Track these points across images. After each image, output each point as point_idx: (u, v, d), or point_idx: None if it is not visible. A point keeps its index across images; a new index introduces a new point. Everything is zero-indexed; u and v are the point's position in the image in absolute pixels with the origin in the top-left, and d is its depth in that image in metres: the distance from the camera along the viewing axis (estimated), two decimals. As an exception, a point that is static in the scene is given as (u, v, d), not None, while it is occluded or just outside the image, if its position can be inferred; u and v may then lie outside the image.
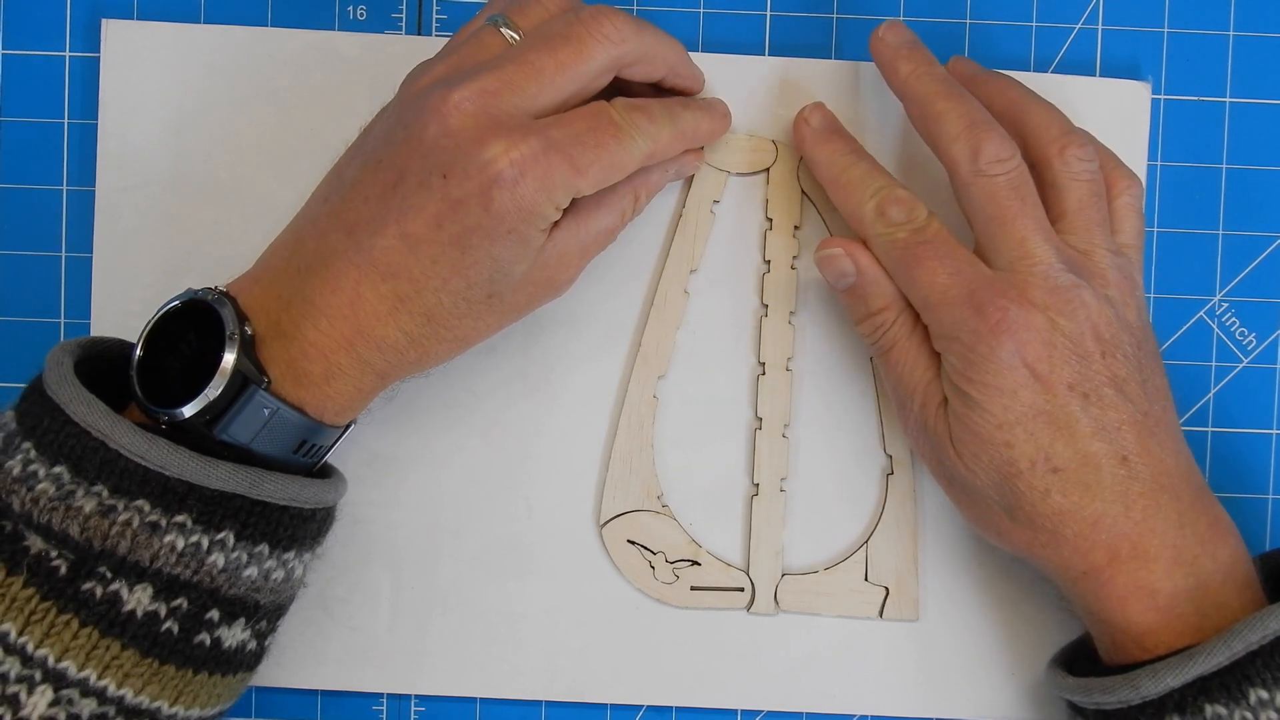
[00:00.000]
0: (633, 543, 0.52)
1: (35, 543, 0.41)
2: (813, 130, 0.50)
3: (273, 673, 0.52)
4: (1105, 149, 0.49)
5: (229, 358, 0.42)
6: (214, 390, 0.42)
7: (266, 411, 0.43)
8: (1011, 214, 0.46)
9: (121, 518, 0.41)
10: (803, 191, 0.52)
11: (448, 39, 0.48)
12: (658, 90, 0.49)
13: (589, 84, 0.45)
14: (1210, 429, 0.53)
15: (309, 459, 0.45)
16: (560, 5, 0.46)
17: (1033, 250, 0.45)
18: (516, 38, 0.45)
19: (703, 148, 0.51)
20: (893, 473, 0.52)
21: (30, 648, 0.40)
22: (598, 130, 0.44)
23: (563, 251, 0.46)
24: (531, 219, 0.43)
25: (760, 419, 0.52)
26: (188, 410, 0.42)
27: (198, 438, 0.42)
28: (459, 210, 0.42)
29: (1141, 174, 0.52)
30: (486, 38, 0.45)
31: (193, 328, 0.43)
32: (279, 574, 0.44)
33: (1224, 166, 0.53)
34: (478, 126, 0.42)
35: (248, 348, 0.43)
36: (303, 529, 0.45)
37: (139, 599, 0.41)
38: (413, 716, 0.53)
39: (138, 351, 0.43)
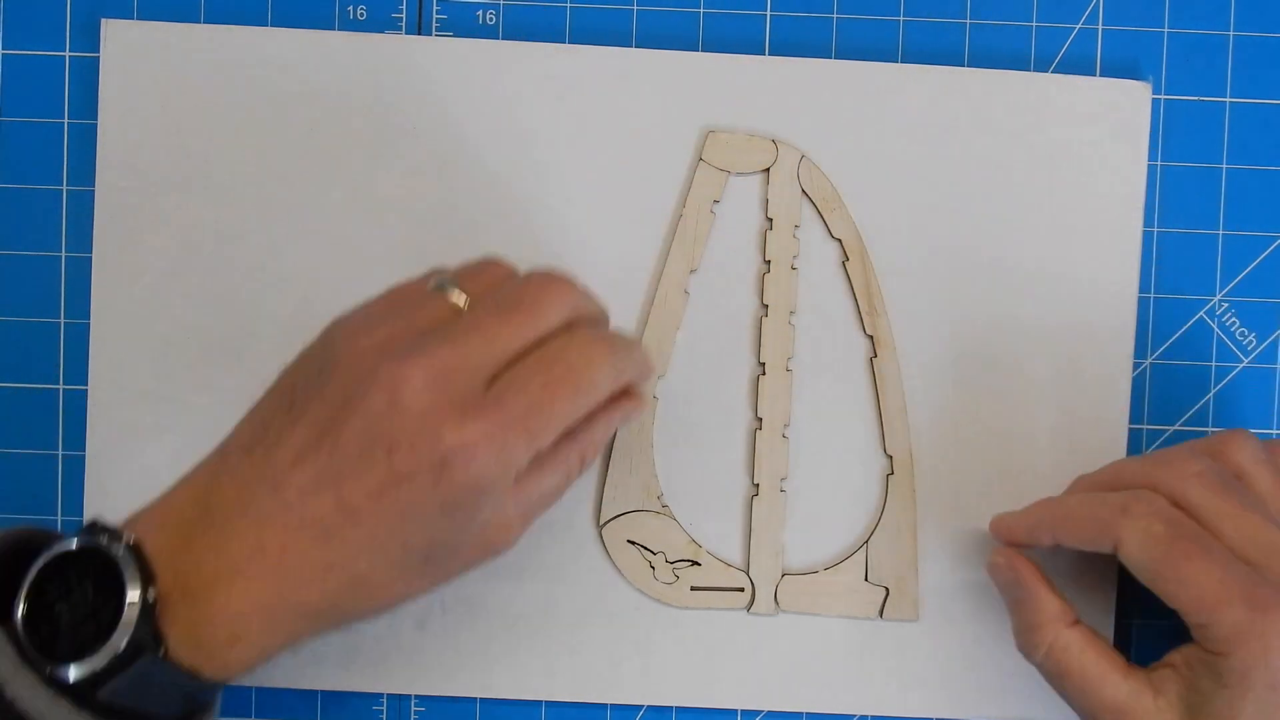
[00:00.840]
0: (633, 543, 0.52)
1: None
2: (1007, 537, 0.50)
3: (272, 673, 0.52)
4: (1237, 438, 0.47)
5: (123, 634, 0.39)
6: (100, 661, 0.39)
7: (157, 677, 0.40)
8: (1234, 509, 0.44)
9: None
10: (803, 191, 0.52)
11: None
12: None
13: (541, 338, 0.43)
14: (1210, 429, 0.53)
15: (195, 708, 0.43)
16: (505, 273, 0.45)
17: (1274, 538, 0.44)
18: (464, 302, 0.44)
19: (639, 396, 0.48)
20: (893, 473, 0.52)
21: None
22: (552, 385, 0.42)
23: (504, 518, 0.44)
24: (485, 494, 0.41)
25: (760, 419, 0.52)
26: (72, 674, 0.39)
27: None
28: (404, 484, 0.40)
29: (1141, 174, 0.52)
30: (434, 304, 0.43)
31: (90, 575, 0.40)
32: None
33: (1224, 166, 0.53)
34: (430, 403, 0.40)
35: (148, 613, 0.40)
36: None
37: None
38: (413, 716, 0.53)
39: (20, 605, 0.40)
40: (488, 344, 0.42)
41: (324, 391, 0.42)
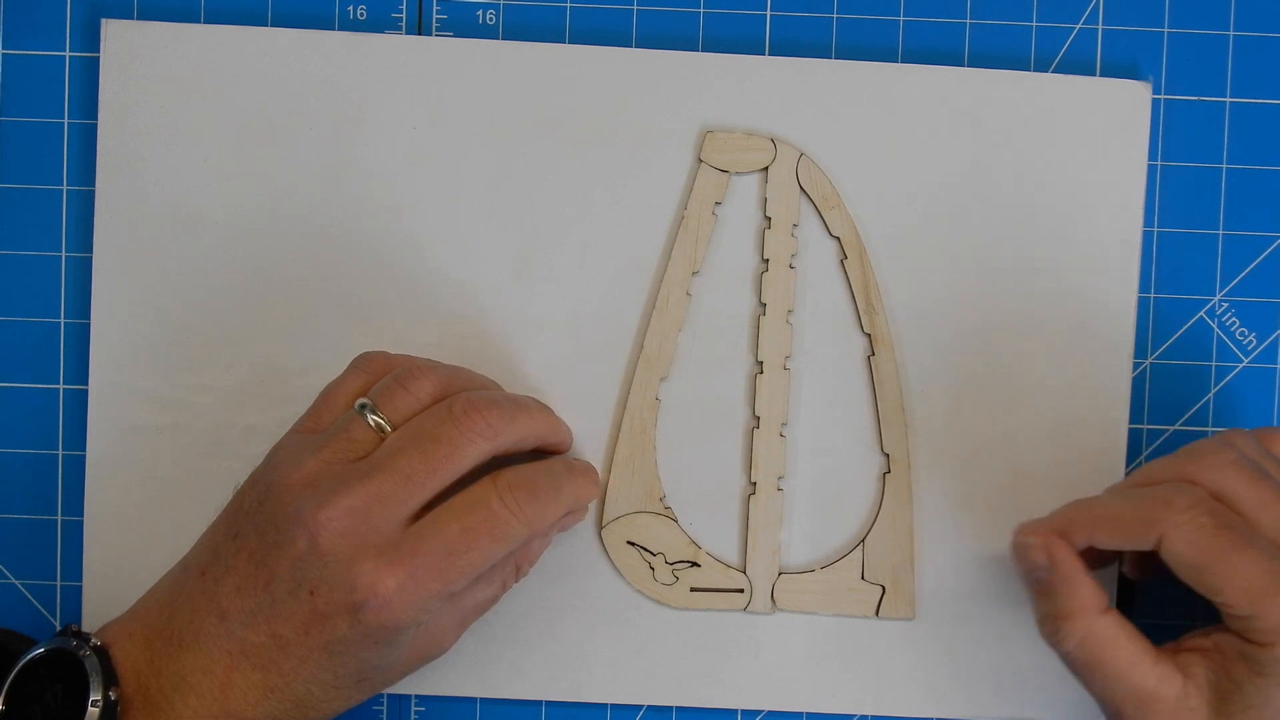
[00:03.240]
0: (632, 544, 0.52)
1: None
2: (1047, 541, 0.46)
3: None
4: (1241, 433, 0.47)
5: None
6: None
7: None
8: (1270, 498, 0.44)
9: None
10: (801, 189, 0.52)
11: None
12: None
13: (462, 475, 0.45)
14: (1210, 429, 0.53)
15: None
16: (430, 393, 0.46)
17: None
18: (386, 429, 0.45)
19: (580, 510, 0.51)
20: (889, 471, 0.52)
21: None
22: (472, 531, 0.44)
23: (436, 628, 0.47)
24: (400, 632, 0.44)
25: (758, 418, 0.52)
26: None
27: None
28: (326, 623, 0.43)
29: (1141, 174, 0.52)
30: (357, 430, 0.45)
31: (61, 679, 0.43)
32: None
33: (1224, 166, 0.53)
34: (346, 547, 0.42)
35: (110, 713, 0.43)
36: None
37: None
38: (413, 716, 0.53)
39: None
40: (404, 483, 0.43)
41: (261, 525, 0.44)
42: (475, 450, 0.45)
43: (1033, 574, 0.46)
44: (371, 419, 0.45)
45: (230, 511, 0.46)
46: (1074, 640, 0.44)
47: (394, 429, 0.45)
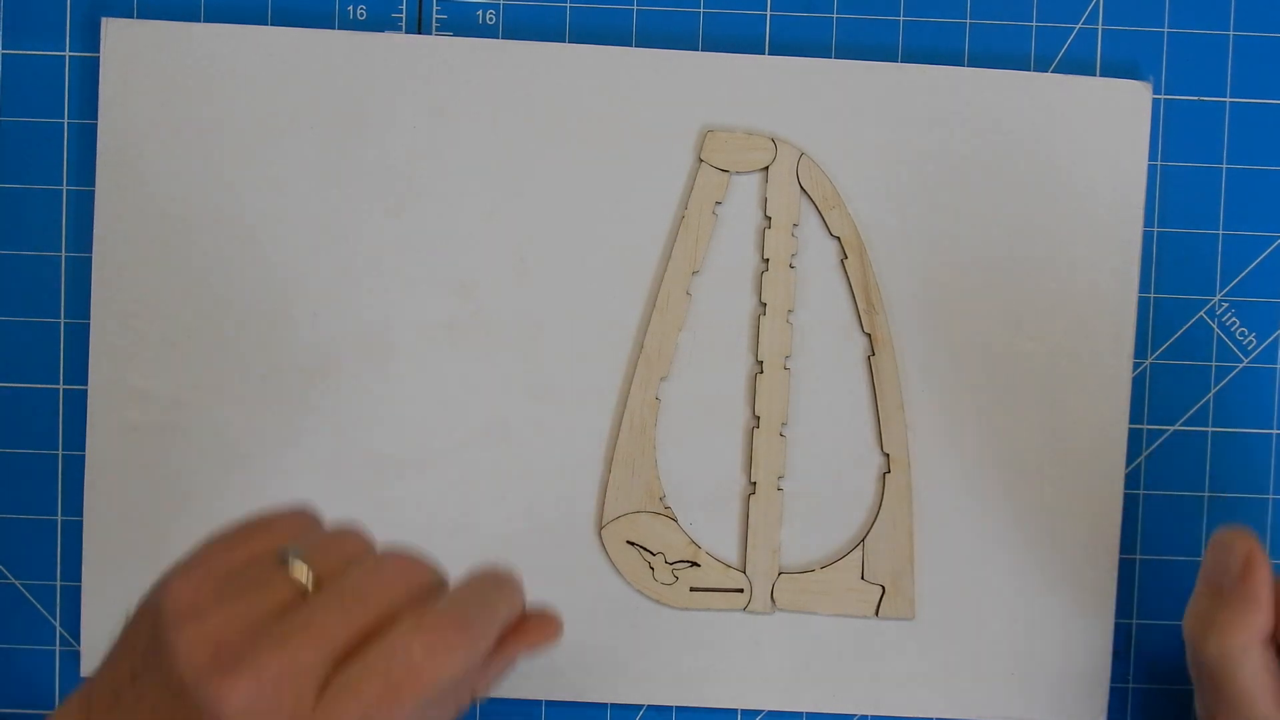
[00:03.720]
0: (632, 544, 0.52)
1: None
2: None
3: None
4: None
5: None
6: None
7: None
8: None
9: None
10: (802, 189, 0.52)
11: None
12: None
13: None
14: (1210, 429, 0.53)
15: None
16: (361, 548, 0.41)
17: None
18: (308, 589, 0.39)
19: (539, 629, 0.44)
20: (889, 471, 0.52)
21: None
22: (394, 691, 0.37)
23: None
24: None
25: (758, 417, 0.52)
26: None
27: None
28: None
29: (1141, 174, 0.52)
30: (277, 582, 0.39)
31: None
32: None
33: (1224, 166, 0.53)
34: None
35: None
36: None
37: None
38: (412, 716, 0.53)
39: None
40: (325, 644, 0.38)
41: (159, 682, 0.38)
42: (399, 602, 0.39)
43: (1220, 573, 0.44)
44: (294, 570, 0.39)
45: (127, 647, 0.40)
46: (1218, 651, 0.43)
47: (318, 583, 0.39)
